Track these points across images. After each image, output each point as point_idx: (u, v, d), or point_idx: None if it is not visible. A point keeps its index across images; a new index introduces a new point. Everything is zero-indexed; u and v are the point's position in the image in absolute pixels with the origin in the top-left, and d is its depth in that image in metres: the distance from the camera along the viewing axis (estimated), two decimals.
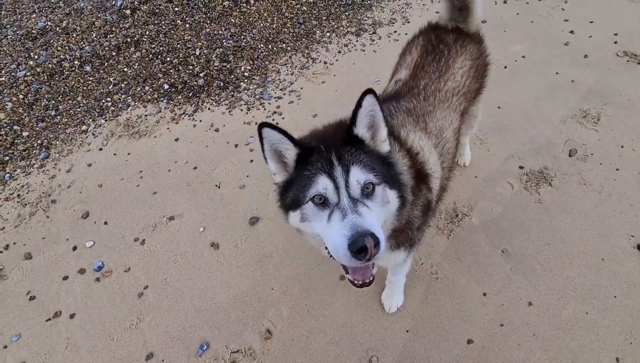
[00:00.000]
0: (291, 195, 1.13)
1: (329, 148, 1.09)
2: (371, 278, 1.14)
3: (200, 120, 3.14)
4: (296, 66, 3.54)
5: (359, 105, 1.13)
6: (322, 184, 1.04)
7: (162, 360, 2.00)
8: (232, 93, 3.32)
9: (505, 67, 3.38)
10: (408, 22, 3.94)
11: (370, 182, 1.07)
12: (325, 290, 2.17)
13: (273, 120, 3.08)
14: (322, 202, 1.05)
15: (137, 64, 3.51)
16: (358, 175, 1.05)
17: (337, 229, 0.99)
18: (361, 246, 0.92)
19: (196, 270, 2.31)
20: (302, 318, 2.08)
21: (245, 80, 3.41)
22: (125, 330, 2.11)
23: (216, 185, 2.70)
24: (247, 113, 3.17)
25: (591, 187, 2.51)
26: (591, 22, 3.73)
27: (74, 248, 2.46)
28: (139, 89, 3.38)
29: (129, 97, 3.34)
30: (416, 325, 2.02)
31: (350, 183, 1.05)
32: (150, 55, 3.53)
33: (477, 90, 1.92)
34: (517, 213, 2.42)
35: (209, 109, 3.22)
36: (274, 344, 2.01)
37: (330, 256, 1.09)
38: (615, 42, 3.51)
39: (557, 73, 3.29)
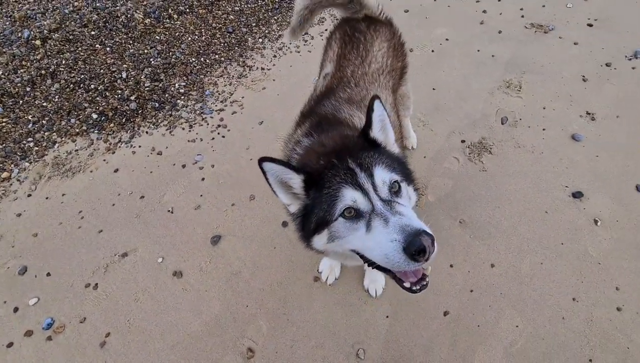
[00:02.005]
0: (315, 219, 1.06)
1: (342, 158, 1.05)
2: (428, 279, 1.06)
3: (140, 146, 2.94)
4: (233, 76, 3.45)
5: (371, 108, 1.11)
6: (350, 196, 0.99)
7: None
8: (170, 112, 3.16)
9: (433, 51, 3.58)
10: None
11: (395, 181, 1.05)
12: (301, 295, 2.13)
13: (218, 133, 2.98)
14: (354, 215, 0.99)
15: (57, 96, 3.20)
16: (383, 176, 1.03)
17: (384, 236, 0.92)
18: (419, 247, 0.86)
19: (161, 304, 2.15)
20: (283, 329, 2.02)
21: (182, 97, 3.26)
22: None
23: (169, 211, 2.54)
24: (189, 131, 3.03)
25: (525, 149, 2.74)
26: (499, 0, 4.08)
27: (15, 309, 2.18)
28: (63, 123, 3.09)
29: (54, 134, 3.04)
30: (394, 309, 2.05)
31: (378, 186, 1.01)
32: (71, 85, 3.25)
33: (401, 69, 2.03)
34: (467, 184, 2.56)
35: (146, 132, 3.03)
36: (258, 362, 1.93)
37: (373, 266, 1.03)
38: (522, 16, 3.87)
39: (478, 50, 3.55)
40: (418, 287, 1.04)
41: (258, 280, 2.20)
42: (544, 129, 2.85)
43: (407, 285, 1.04)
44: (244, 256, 2.30)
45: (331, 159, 1.06)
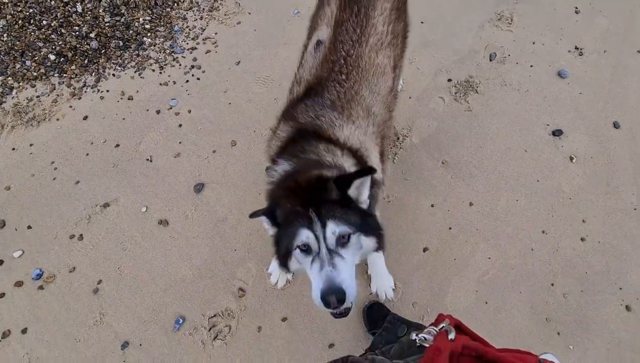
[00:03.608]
0: (283, 247, 1.26)
1: (306, 206, 1.20)
2: (343, 311, 1.22)
3: (108, 90, 2.73)
4: (203, 9, 3.12)
5: (360, 174, 1.25)
6: (304, 235, 1.18)
7: (140, 345, 1.97)
8: (137, 52, 2.88)
9: None
10: None
11: (345, 235, 1.19)
12: None
13: (192, 75, 2.77)
14: (306, 250, 1.19)
15: (5, 34, 2.85)
16: (334, 228, 1.17)
17: (315, 279, 1.15)
18: (327, 300, 1.09)
19: (150, 251, 2.19)
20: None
21: (149, 34, 2.96)
22: (90, 329, 2.00)
23: (147, 159, 2.46)
24: (161, 72, 2.81)
25: (511, 87, 2.69)
26: None
27: (0, 262, 2.18)
28: (18, 66, 2.79)
29: (9, 78, 2.76)
30: None
31: (327, 236, 1.17)
32: (20, 22, 2.88)
33: (403, 31, 1.82)
34: (451, 124, 2.55)
35: (113, 75, 2.79)
36: (249, 299, 2.05)
37: None
38: None
39: None
40: (336, 313, 1.22)
41: (245, 225, 2.23)
42: (531, 66, 2.78)
43: (332, 312, 1.21)
44: (229, 203, 2.31)
45: (296, 205, 1.22)
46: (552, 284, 2.06)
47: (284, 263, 1.32)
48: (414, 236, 2.19)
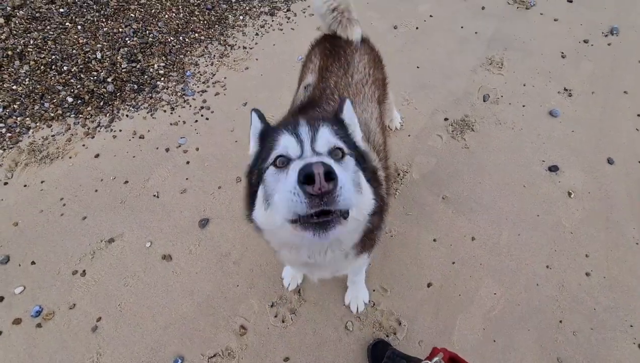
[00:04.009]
0: (255, 171, 0.98)
1: (296, 117, 1.04)
2: (329, 206, 0.74)
3: (120, 130, 2.86)
4: (214, 55, 3.36)
5: (342, 102, 1.14)
6: (283, 142, 0.89)
7: None
8: (150, 94, 3.06)
9: (417, 28, 3.56)
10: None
11: (340, 148, 0.90)
12: None
13: (201, 115, 2.92)
14: (285, 164, 0.86)
15: (27, 79, 3.05)
16: (328, 136, 0.90)
17: (290, 174, 0.76)
18: (307, 171, 0.68)
19: (151, 287, 2.17)
20: (274, 307, 2.08)
21: (162, 79, 3.16)
22: None
23: (154, 195, 2.52)
24: (171, 113, 2.96)
25: (506, 125, 2.81)
26: None
27: (1, 299, 2.15)
28: (37, 107, 2.96)
29: (27, 119, 2.91)
30: (381, 282, 2.14)
31: (317, 140, 0.89)
32: (42, 67, 3.09)
33: (383, 80, 1.99)
34: (450, 160, 2.63)
35: (127, 115, 2.94)
36: (250, 338, 2.00)
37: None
38: None
39: (462, 27, 3.55)
40: (321, 198, 0.72)
41: (247, 261, 2.24)
42: (523, 106, 2.92)
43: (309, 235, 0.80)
44: (233, 238, 2.33)
45: (294, 116, 1.11)
46: (561, 321, 2.01)
47: (250, 212, 0.99)
48: (417, 271, 2.18)
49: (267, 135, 1.06)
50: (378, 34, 3.46)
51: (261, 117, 1.14)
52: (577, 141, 2.71)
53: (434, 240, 2.28)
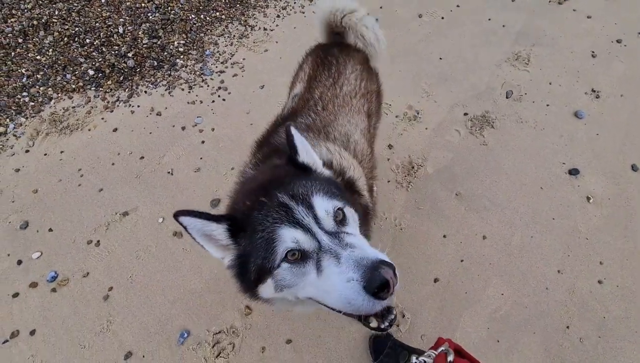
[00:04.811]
0: (254, 268, 0.91)
1: (271, 194, 0.90)
2: (395, 312, 0.89)
3: (138, 106, 2.89)
4: (234, 36, 3.33)
5: (289, 135, 1.01)
6: (289, 236, 0.84)
7: (143, 356, 1.96)
8: (169, 72, 3.07)
9: (443, 18, 3.45)
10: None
11: (339, 208, 0.91)
12: None
13: (219, 96, 2.92)
14: (300, 257, 0.84)
15: (51, 49, 3.09)
16: (325, 205, 0.88)
17: (338, 277, 0.77)
18: (381, 281, 0.72)
19: (162, 262, 2.22)
20: None
21: (181, 57, 3.16)
22: (97, 335, 2.01)
23: (168, 172, 2.55)
24: (189, 92, 2.97)
25: (527, 124, 2.73)
26: None
27: (19, 262, 2.24)
28: (59, 78, 3.00)
29: (49, 89, 2.96)
30: None
31: (321, 218, 0.86)
32: (66, 38, 3.13)
33: (377, 93, 1.93)
34: (466, 157, 2.58)
35: (145, 92, 2.96)
36: (255, 318, 2.04)
37: (339, 312, 0.87)
38: None
39: (489, 19, 3.42)
40: (387, 324, 0.87)
41: None
42: (547, 105, 2.83)
43: (374, 325, 0.88)
44: None
45: (259, 197, 0.91)
46: (568, 327, 1.98)
47: (254, 291, 0.96)
48: (425, 266, 2.17)
49: (246, 230, 0.92)
50: (402, 22, 3.37)
51: (205, 216, 0.92)
52: (601, 145, 2.62)
53: (444, 236, 2.26)
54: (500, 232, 2.27)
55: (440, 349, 0.82)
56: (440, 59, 3.13)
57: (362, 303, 0.75)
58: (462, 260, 2.18)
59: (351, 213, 0.96)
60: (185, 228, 0.92)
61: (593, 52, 3.14)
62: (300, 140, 1.04)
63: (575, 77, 2.99)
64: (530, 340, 1.95)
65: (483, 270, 2.15)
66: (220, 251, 0.97)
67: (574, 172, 2.48)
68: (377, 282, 0.71)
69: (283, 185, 0.91)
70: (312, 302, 0.92)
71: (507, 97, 2.88)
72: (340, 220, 0.90)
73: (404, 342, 1.82)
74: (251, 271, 0.91)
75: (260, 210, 0.88)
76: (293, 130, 1.02)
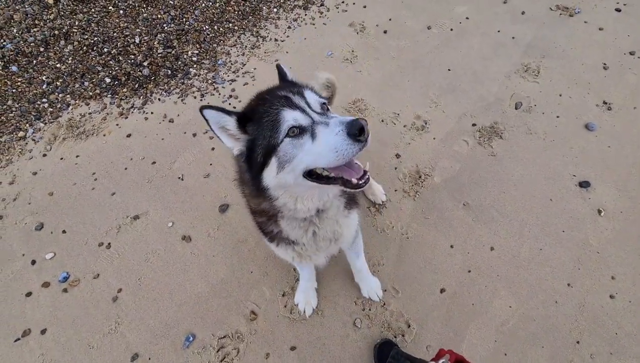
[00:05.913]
0: (261, 150, 1.10)
1: (273, 92, 1.15)
2: (367, 175, 1.10)
3: (152, 113, 2.97)
4: (246, 46, 3.41)
5: (279, 67, 1.42)
6: (291, 116, 1.06)
7: (149, 359, 1.98)
8: (182, 80, 3.16)
9: (452, 30, 3.48)
10: None
11: (324, 103, 1.16)
12: None
13: (229, 104, 2.99)
14: (298, 132, 1.05)
15: (70, 58, 3.22)
16: (314, 97, 1.14)
17: (328, 135, 1.00)
18: (359, 126, 0.95)
19: (170, 265, 2.26)
20: (285, 296, 2.12)
21: (195, 66, 3.25)
22: (105, 336, 2.04)
23: (179, 178, 2.61)
24: (201, 100, 3.04)
25: (536, 136, 2.71)
26: None
27: (33, 262, 2.31)
28: (77, 85, 3.12)
29: (68, 96, 3.07)
30: (393, 283, 2.13)
31: (311, 104, 1.10)
32: (85, 48, 3.25)
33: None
34: (474, 167, 2.57)
35: (159, 99, 3.05)
36: (260, 324, 2.04)
37: (322, 182, 1.09)
38: None
39: (499, 31, 3.44)
40: (363, 181, 1.08)
41: (263, 249, 2.28)
42: (557, 116, 2.81)
43: (354, 181, 1.08)
44: (250, 225, 2.36)
45: (263, 95, 1.16)
46: (578, 342, 1.94)
47: (259, 178, 1.13)
48: (431, 275, 2.15)
49: (253, 120, 1.13)
50: (411, 33, 3.41)
51: (222, 110, 1.13)
52: (612, 157, 2.58)
53: (451, 246, 2.25)
54: (509, 244, 2.25)
55: (441, 361, 0.82)
56: (449, 70, 3.15)
57: (347, 147, 0.97)
58: (469, 271, 2.16)
59: (334, 117, 1.16)
60: (207, 121, 1.13)
61: (605, 64, 3.12)
62: (287, 70, 1.38)
63: (586, 89, 2.97)
64: (538, 354, 1.91)
65: (490, 282, 2.13)
66: (231, 141, 1.17)
67: (584, 184, 2.44)
68: (356, 126, 0.95)
69: (281, 87, 1.18)
70: (306, 184, 1.11)
71: (516, 108, 2.88)
72: (327, 110, 1.15)
73: (409, 352, 1.80)
74: (258, 153, 1.10)
75: (264, 104, 1.11)
76: (281, 65, 1.40)
